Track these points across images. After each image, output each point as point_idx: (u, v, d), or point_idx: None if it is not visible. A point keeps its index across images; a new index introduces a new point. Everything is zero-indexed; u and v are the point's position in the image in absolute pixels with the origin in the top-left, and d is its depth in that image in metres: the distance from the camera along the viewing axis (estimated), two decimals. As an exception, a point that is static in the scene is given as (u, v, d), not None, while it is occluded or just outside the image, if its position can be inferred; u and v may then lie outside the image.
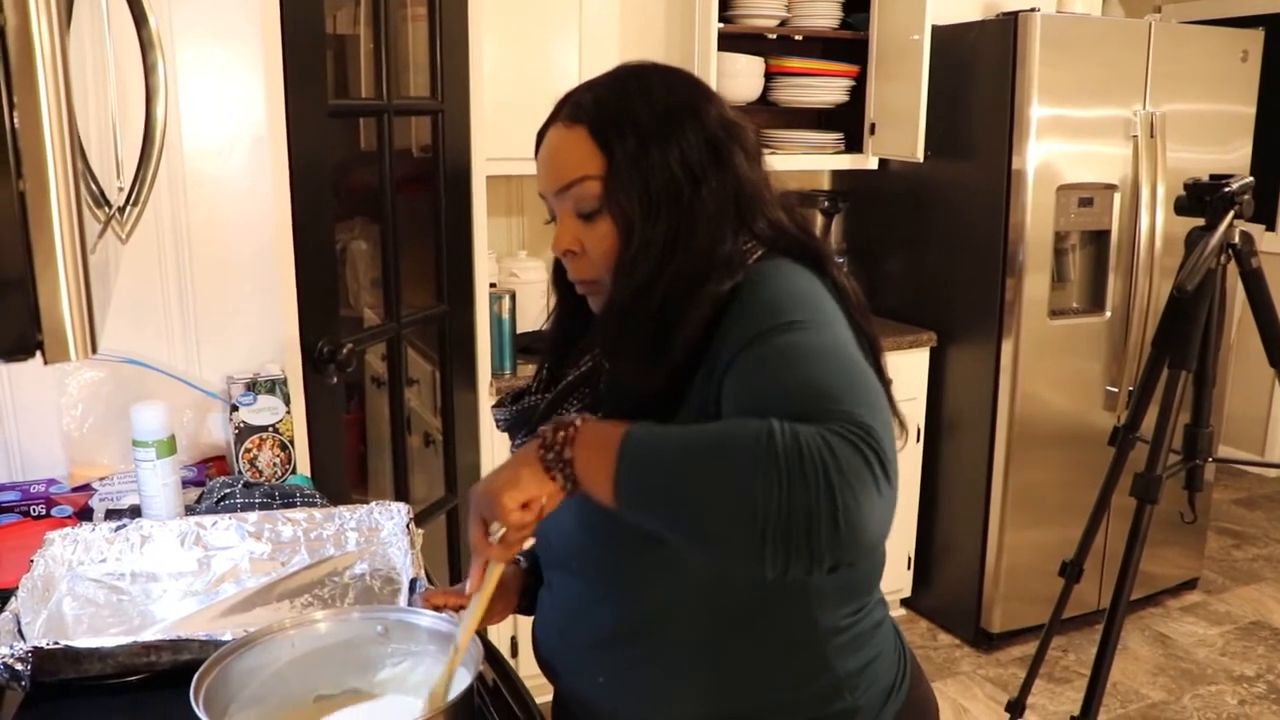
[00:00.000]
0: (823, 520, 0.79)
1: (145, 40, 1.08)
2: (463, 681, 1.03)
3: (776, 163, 3.51)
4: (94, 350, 0.68)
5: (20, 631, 1.19)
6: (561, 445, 0.93)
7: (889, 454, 0.83)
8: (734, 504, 0.81)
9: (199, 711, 0.95)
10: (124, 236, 1.15)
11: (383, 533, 1.52)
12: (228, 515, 1.51)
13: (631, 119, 1.06)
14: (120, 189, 1.16)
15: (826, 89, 3.42)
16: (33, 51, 0.61)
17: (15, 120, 0.61)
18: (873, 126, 3.41)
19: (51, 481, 1.75)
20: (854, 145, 3.49)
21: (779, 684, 1.10)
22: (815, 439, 0.81)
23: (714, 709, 1.11)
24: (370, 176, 2.28)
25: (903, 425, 1.14)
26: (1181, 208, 2.33)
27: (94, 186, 1.04)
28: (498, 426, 1.26)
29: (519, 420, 1.21)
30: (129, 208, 1.13)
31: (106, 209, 1.11)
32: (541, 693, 1.23)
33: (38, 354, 0.66)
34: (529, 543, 1.04)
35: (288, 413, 1.83)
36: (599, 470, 0.90)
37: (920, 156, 3.24)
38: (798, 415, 0.85)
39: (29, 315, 0.65)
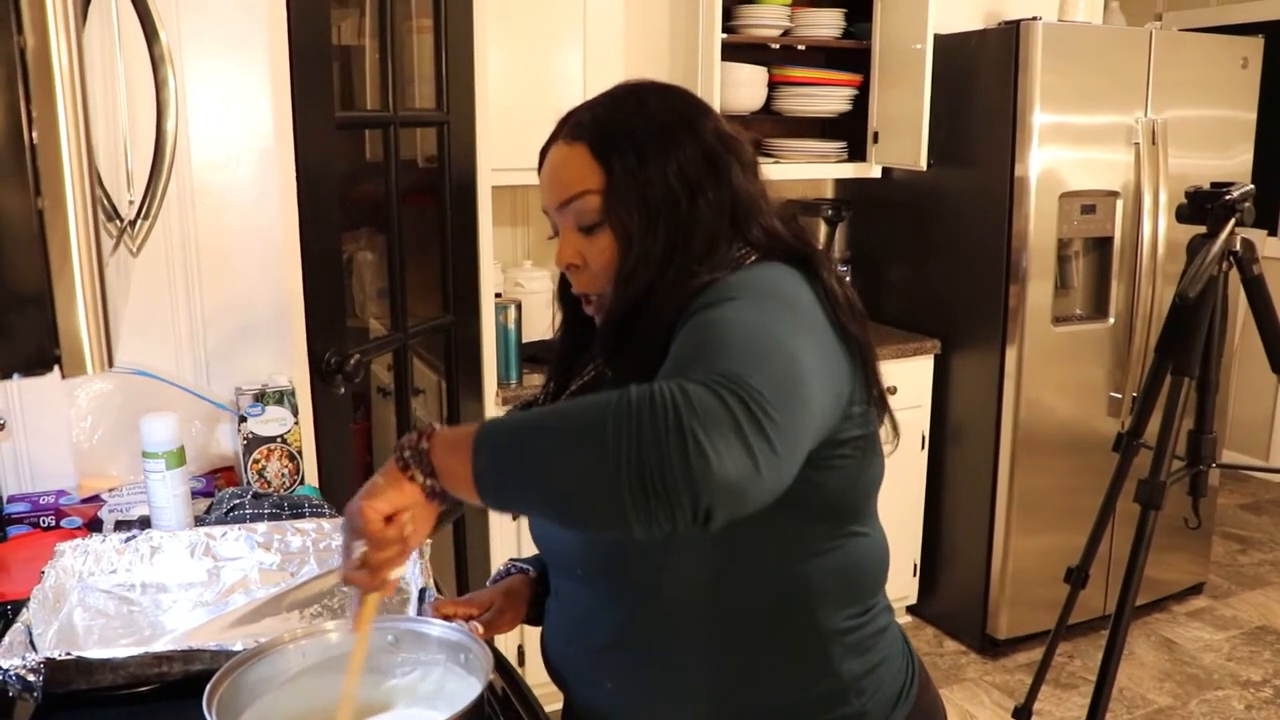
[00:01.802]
0: (673, 454, 0.78)
1: (156, 56, 1.09)
2: (473, 690, 1.04)
3: (780, 172, 3.51)
4: (110, 364, 0.69)
5: (32, 642, 1.19)
6: (416, 443, 0.93)
7: (769, 410, 0.81)
8: (589, 465, 0.82)
9: (212, 721, 0.96)
10: (135, 250, 1.16)
11: (391, 542, 1.52)
12: (237, 526, 1.52)
13: (629, 135, 1.10)
14: (131, 202, 1.17)
15: (829, 98, 3.43)
16: (51, 72, 0.62)
17: (35, 138, 0.62)
18: (876, 135, 3.42)
19: (61, 493, 1.75)
20: (857, 154, 3.50)
21: (785, 687, 1.10)
22: (669, 387, 0.81)
23: (720, 712, 1.11)
24: (376, 187, 2.29)
25: (895, 431, 1.15)
26: (1183, 216, 2.34)
27: (106, 201, 1.05)
28: None
29: None
30: (140, 221, 1.14)
31: (118, 223, 1.12)
32: (550, 701, 1.24)
33: (55, 368, 0.67)
34: (398, 572, 0.99)
35: (296, 423, 1.84)
36: (458, 464, 0.91)
37: (923, 165, 3.25)
38: (679, 373, 0.85)
39: (47, 330, 0.66)
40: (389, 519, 0.94)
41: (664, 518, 0.79)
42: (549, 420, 0.88)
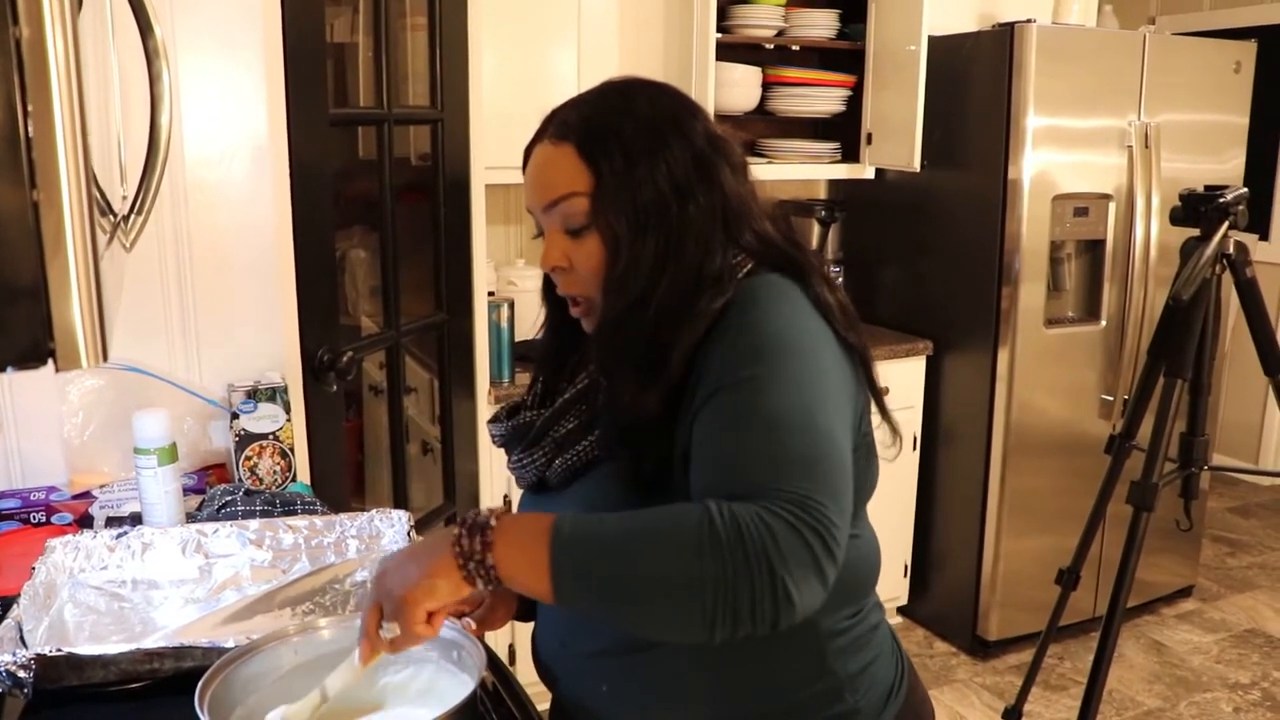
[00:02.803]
0: (764, 599, 0.85)
1: (151, 49, 1.08)
2: (465, 688, 1.04)
3: (773, 172, 3.51)
4: (105, 358, 0.69)
5: (23, 639, 1.19)
6: (482, 552, 0.92)
7: (832, 529, 0.87)
8: (681, 593, 0.86)
9: (204, 718, 0.96)
10: (128, 245, 1.15)
11: (383, 540, 1.52)
12: (229, 523, 1.51)
13: (618, 136, 1.07)
14: (124, 197, 1.16)
15: (823, 99, 3.44)
16: (47, 64, 0.62)
17: (30, 131, 0.62)
18: (869, 136, 3.42)
19: (52, 489, 1.75)
20: (850, 155, 3.50)
21: (780, 687, 1.10)
22: (755, 523, 0.85)
23: (716, 713, 1.11)
24: (369, 185, 2.29)
25: (897, 434, 1.15)
26: (1177, 218, 2.35)
27: (99, 196, 1.04)
28: (493, 442, 1.27)
29: (514, 436, 1.21)
30: (133, 216, 1.14)
31: (111, 218, 1.12)
32: (542, 700, 1.23)
33: (49, 362, 0.67)
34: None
35: (288, 420, 1.84)
36: (529, 568, 0.91)
37: (917, 166, 3.26)
38: (744, 485, 0.89)
39: (41, 323, 0.66)
40: (430, 615, 0.96)
41: (744, 634, 0.87)
42: (635, 539, 0.90)
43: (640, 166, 1.06)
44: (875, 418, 1.14)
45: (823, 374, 1.00)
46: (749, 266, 1.09)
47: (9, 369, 0.65)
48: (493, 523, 0.93)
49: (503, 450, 1.25)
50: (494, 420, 1.26)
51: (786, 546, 0.85)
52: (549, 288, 1.22)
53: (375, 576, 1.00)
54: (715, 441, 0.96)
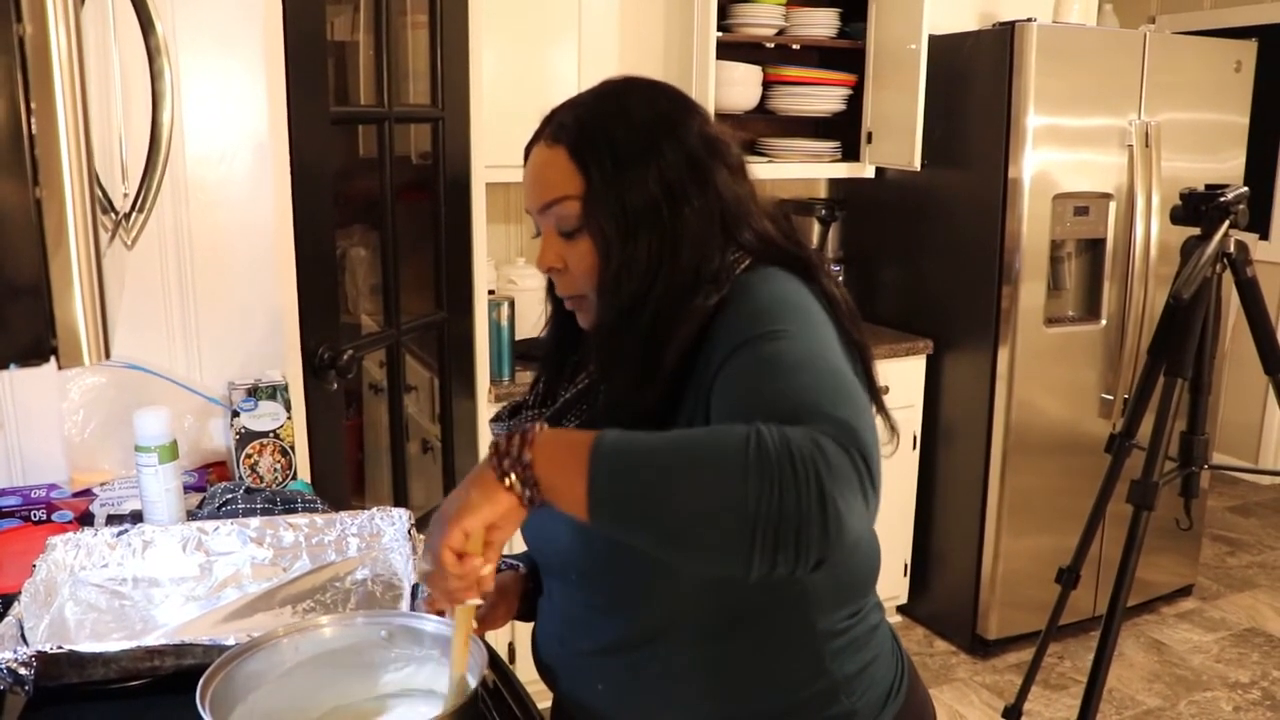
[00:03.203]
0: (814, 522, 0.80)
1: (152, 47, 1.08)
2: (468, 686, 1.04)
3: (774, 171, 3.51)
4: (108, 355, 0.69)
5: (23, 636, 1.19)
6: (520, 449, 0.89)
7: (874, 458, 0.85)
8: (724, 508, 0.81)
9: (205, 715, 0.96)
10: (130, 243, 1.15)
11: (384, 538, 1.52)
12: (229, 520, 1.51)
13: (609, 140, 1.08)
14: (125, 195, 1.16)
15: (824, 98, 3.44)
16: (51, 61, 0.62)
17: (33, 128, 0.62)
18: (870, 135, 3.42)
19: (53, 486, 1.75)
20: (851, 154, 3.50)
21: (778, 687, 1.10)
22: (806, 441, 0.82)
23: (714, 713, 1.12)
24: (370, 183, 2.28)
25: (894, 431, 1.15)
26: (1177, 217, 2.35)
27: (101, 193, 1.04)
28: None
29: None
30: (134, 214, 1.14)
31: (112, 215, 1.12)
32: (542, 698, 1.24)
33: (52, 359, 0.67)
34: (488, 570, 0.96)
35: (288, 418, 1.84)
36: (569, 476, 0.87)
37: (917, 165, 3.26)
38: (786, 412, 0.85)
39: (44, 320, 0.66)
40: (461, 556, 0.92)
41: (786, 568, 0.81)
42: (678, 451, 0.85)
43: (630, 170, 1.06)
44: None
45: (830, 336, 1.00)
46: (747, 263, 1.09)
47: (12, 366, 0.65)
48: (537, 427, 0.91)
49: None
50: (496, 419, 1.27)
51: (837, 466, 0.81)
52: (552, 286, 1.22)
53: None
54: (742, 384, 0.93)
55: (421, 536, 1.48)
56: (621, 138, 1.08)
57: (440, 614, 1.16)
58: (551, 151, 1.11)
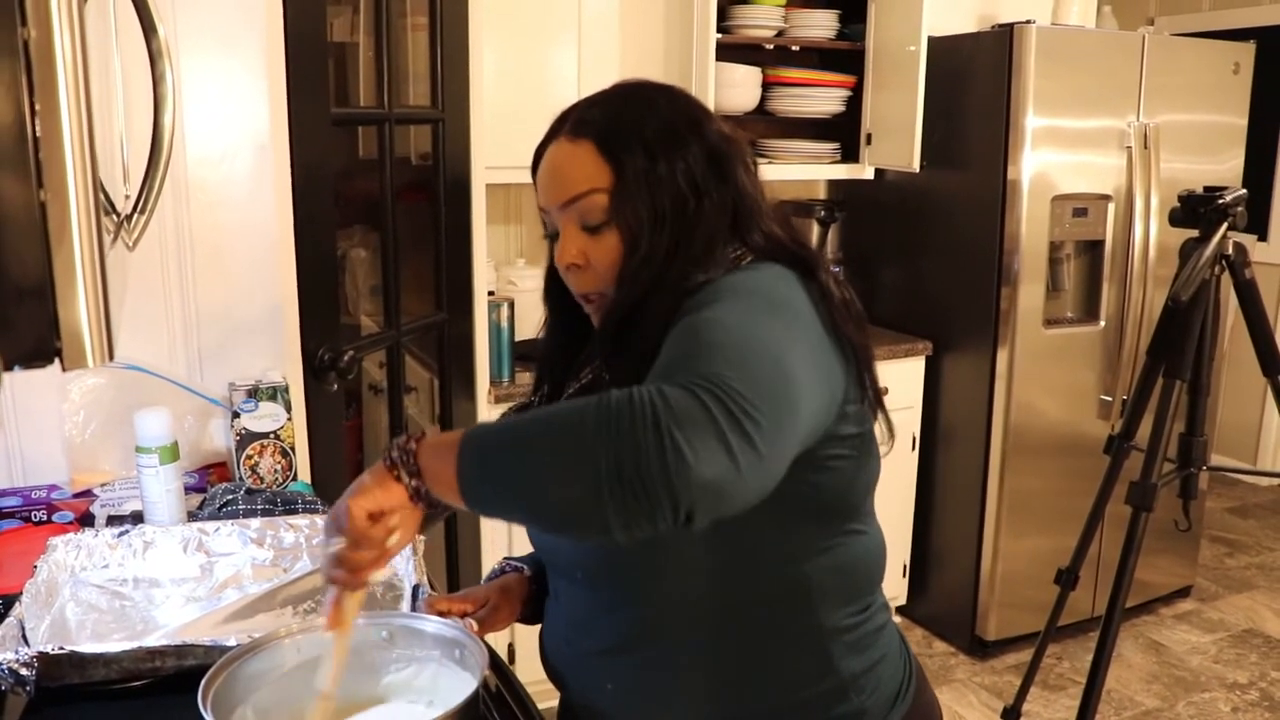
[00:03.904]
0: (650, 455, 0.78)
1: (154, 50, 1.08)
2: (468, 687, 1.04)
3: (773, 172, 3.51)
4: (111, 357, 0.69)
5: (25, 636, 1.19)
6: (405, 444, 0.94)
7: (751, 411, 0.81)
8: (570, 468, 0.82)
9: (207, 716, 0.96)
10: (131, 244, 1.15)
11: (385, 539, 1.52)
12: (230, 521, 1.52)
13: (639, 133, 1.09)
14: (127, 197, 1.16)
15: (823, 99, 3.44)
16: (55, 65, 0.62)
17: (38, 130, 0.62)
18: (869, 136, 3.43)
19: (53, 487, 1.75)
20: (850, 155, 3.51)
21: (786, 686, 1.11)
22: (648, 391, 0.82)
23: (722, 712, 1.12)
24: (370, 184, 2.29)
25: (891, 432, 1.15)
26: (1176, 219, 2.36)
27: (103, 195, 1.04)
28: None
29: None
30: (136, 215, 1.14)
31: (114, 217, 1.12)
32: (543, 699, 1.24)
33: (56, 361, 0.67)
34: (379, 575, 1.01)
35: (289, 419, 1.84)
36: (443, 467, 0.91)
37: (916, 166, 3.26)
38: (664, 377, 0.85)
39: (48, 322, 0.66)
40: (373, 518, 0.94)
41: (644, 520, 0.80)
42: (532, 425, 0.88)
43: (661, 163, 1.08)
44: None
45: (793, 322, 0.99)
46: (748, 260, 1.10)
47: (16, 368, 0.65)
48: (424, 430, 0.96)
49: None
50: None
51: (679, 406, 0.80)
52: (549, 290, 1.22)
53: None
54: (662, 352, 0.94)
55: (422, 538, 1.49)
56: (651, 131, 1.09)
57: (442, 614, 1.17)
58: (575, 146, 1.11)
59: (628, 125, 1.10)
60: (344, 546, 0.95)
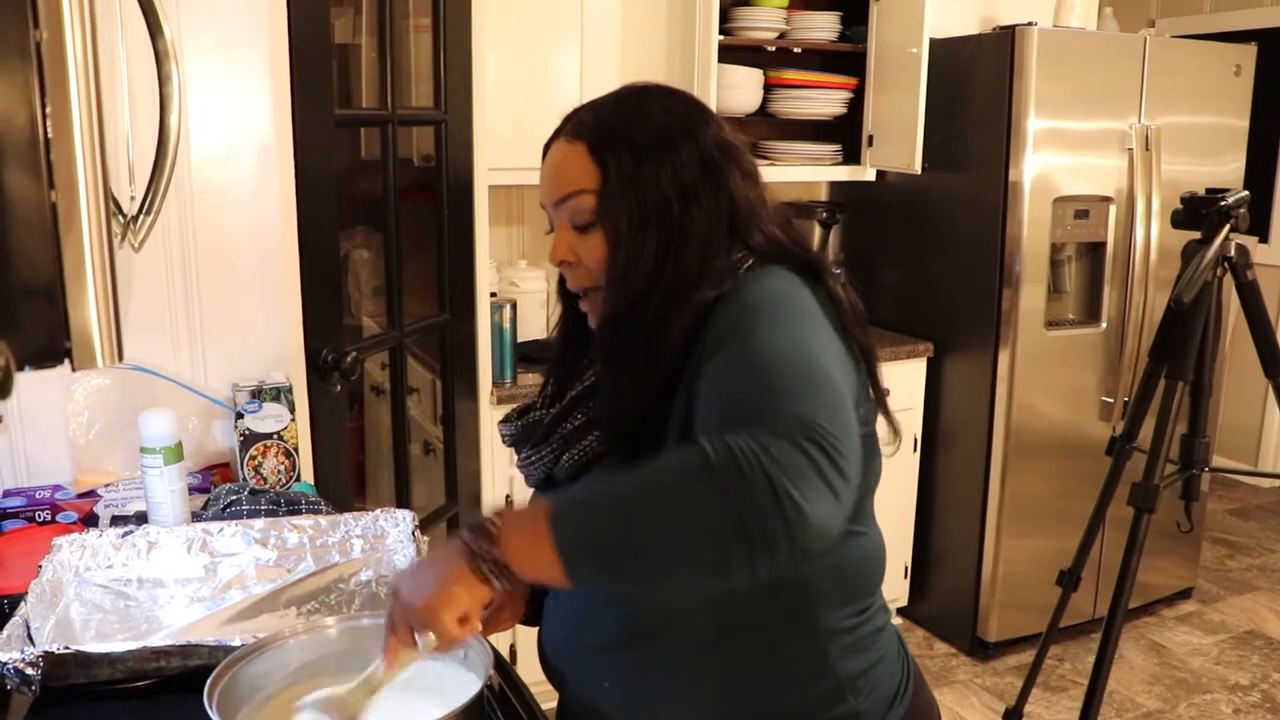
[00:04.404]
0: (770, 514, 0.81)
1: (160, 51, 1.09)
2: (473, 686, 1.04)
3: (775, 174, 3.51)
4: (120, 357, 0.69)
5: (30, 636, 1.20)
6: (490, 548, 0.93)
7: (839, 445, 0.85)
8: (686, 532, 0.84)
9: (213, 715, 0.96)
10: (137, 246, 1.16)
11: (388, 540, 1.53)
12: (234, 522, 1.52)
13: (627, 137, 1.11)
14: (132, 198, 1.17)
15: (824, 101, 3.44)
16: (66, 67, 0.62)
17: (49, 132, 0.62)
18: (870, 138, 3.43)
19: (57, 488, 1.75)
20: (852, 157, 3.51)
21: (783, 686, 1.11)
22: (747, 443, 0.83)
23: (718, 711, 1.12)
24: (373, 186, 2.29)
25: (896, 432, 1.16)
26: (1178, 221, 2.36)
27: (110, 196, 1.05)
28: (503, 442, 1.29)
29: (524, 435, 1.23)
30: (142, 216, 1.14)
31: (120, 218, 1.12)
32: (545, 700, 1.24)
33: (66, 361, 0.67)
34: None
35: (292, 420, 1.84)
36: (538, 556, 0.90)
37: (918, 168, 3.26)
38: (736, 417, 0.87)
39: (58, 322, 0.66)
40: (463, 621, 0.95)
41: (765, 567, 0.83)
42: (625, 493, 0.88)
43: (645, 167, 1.10)
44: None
45: (818, 332, 1.01)
46: (750, 262, 1.11)
47: (26, 368, 0.65)
48: (495, 520, 0.94)
49: (512, 449, 1.27)
50: (505, 421, 1.28)
51: (783, 459, 0.82)
52: (564, 287, 1.24)
53: (392, 593, 1.00)
54: (710, 387, 0.96)
55: (426, 539, 1.49)
56: (639, 136, 1.11)
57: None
58: (571, 147, 1.14)
59: (618, 128, 1.12)
60: (435, 645, 0.97)
